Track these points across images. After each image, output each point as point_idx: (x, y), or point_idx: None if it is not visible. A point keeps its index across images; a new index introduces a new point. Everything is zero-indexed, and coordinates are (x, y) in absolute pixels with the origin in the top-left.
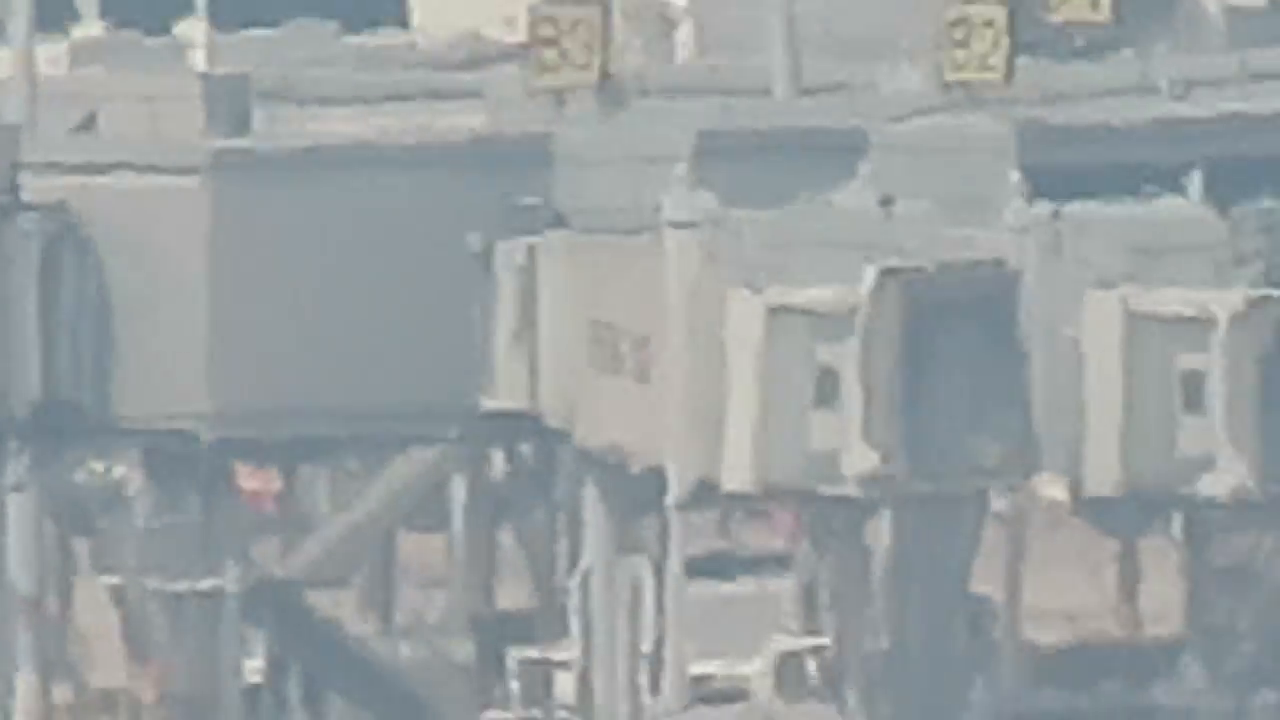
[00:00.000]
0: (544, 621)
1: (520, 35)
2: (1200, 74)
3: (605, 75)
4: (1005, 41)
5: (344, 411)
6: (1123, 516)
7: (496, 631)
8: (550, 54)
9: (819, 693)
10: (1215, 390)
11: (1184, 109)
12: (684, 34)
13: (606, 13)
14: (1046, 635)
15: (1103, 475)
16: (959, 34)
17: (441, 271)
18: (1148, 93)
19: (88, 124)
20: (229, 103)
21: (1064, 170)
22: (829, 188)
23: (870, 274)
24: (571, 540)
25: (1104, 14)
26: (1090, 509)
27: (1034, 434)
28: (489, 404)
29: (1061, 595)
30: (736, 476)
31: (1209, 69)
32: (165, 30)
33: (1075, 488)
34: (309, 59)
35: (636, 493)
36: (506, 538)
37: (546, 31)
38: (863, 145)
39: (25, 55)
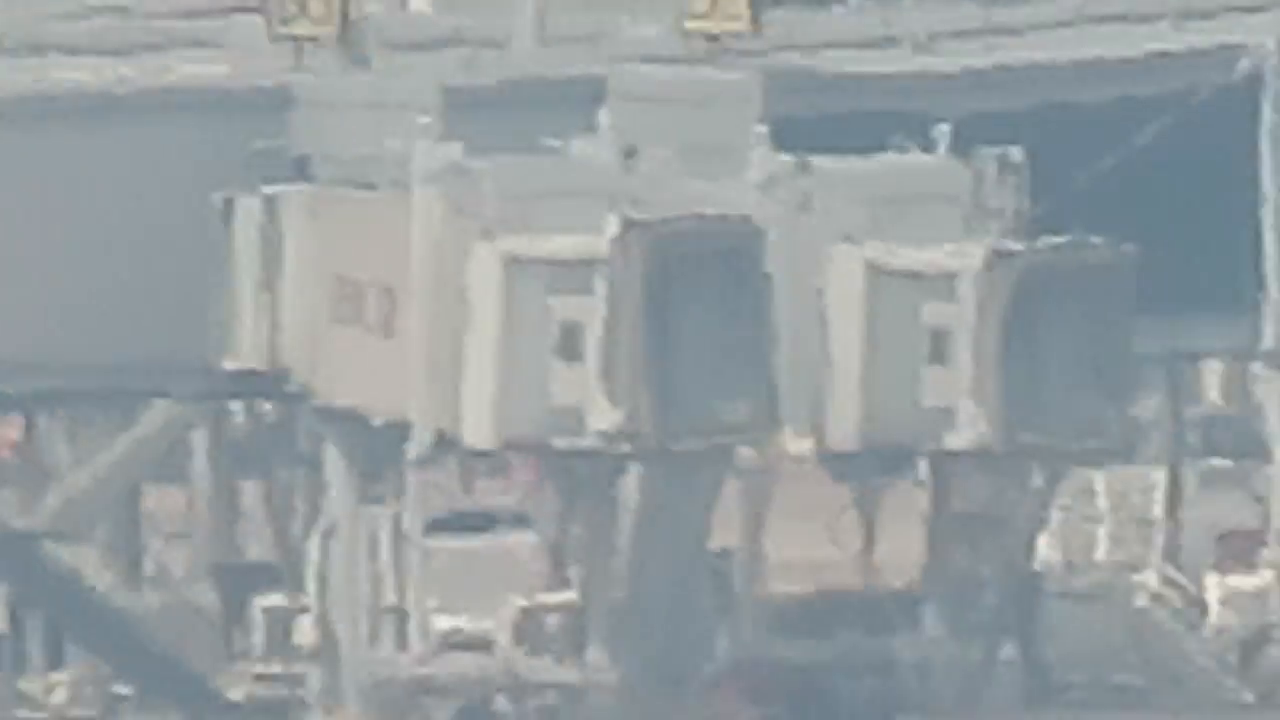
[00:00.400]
0: (287, 573)
1: None
2: (945, 26)
3: (345, 25)
4: None
5: (85, 364)
6: (864, 466)
7: (240, 582)
8: (290, 3)
9: (561, 647)
10: (959, 342)
11: (931, 61)
12: None
13: None
14: (787, 586)
15: (845, 429)
16: None
17: (183, 223)
18: (891, 44)
19: None
20: None
21: (809, 121)
22: (575, 137)
23: (611, 224)
24: (314, 493)
25: None
26: (833, 460)
27: (779, 389)
28: (229, 364)
29: (802, 546)
30: (476, 431)
31: (954, 21)
32: None
33: (819, 442)
34: (50, 10)
35: (378, 447)
36: (250, 491)
37: None
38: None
39: None
